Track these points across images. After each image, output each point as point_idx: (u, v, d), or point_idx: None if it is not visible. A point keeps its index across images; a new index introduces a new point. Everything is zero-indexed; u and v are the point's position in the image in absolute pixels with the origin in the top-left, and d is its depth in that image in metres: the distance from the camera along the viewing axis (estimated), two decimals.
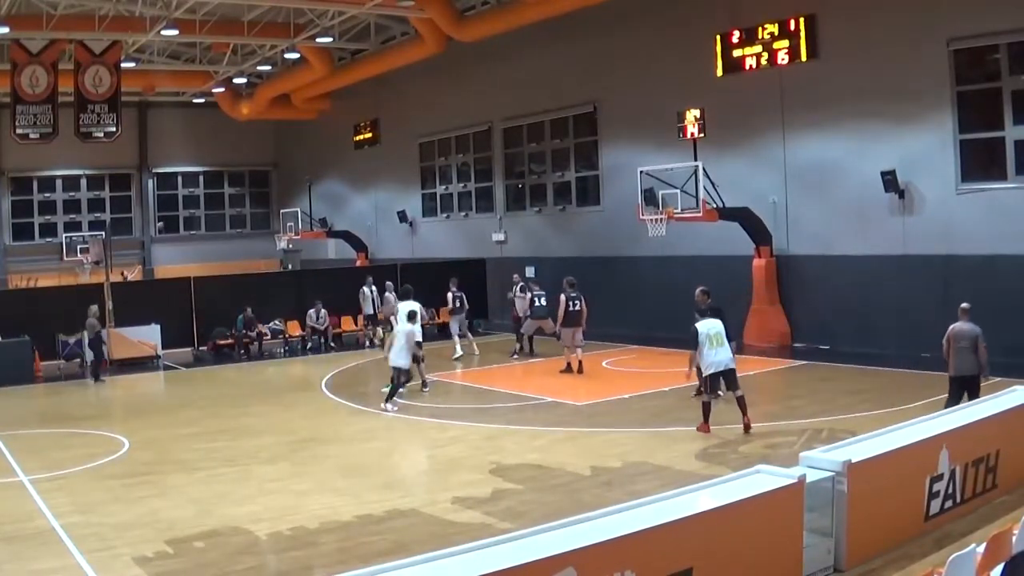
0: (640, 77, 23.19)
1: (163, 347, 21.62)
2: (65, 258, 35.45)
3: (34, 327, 19.89)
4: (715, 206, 19.24)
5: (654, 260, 22.53)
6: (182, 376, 20.57)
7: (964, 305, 11.34)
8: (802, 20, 19.37)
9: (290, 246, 33.92)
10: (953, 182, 17.43)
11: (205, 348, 22.75)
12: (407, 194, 32.43)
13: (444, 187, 31.13)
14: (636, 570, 5.70)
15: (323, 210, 34.71)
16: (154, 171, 38.98)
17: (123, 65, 25.50)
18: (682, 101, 20.27)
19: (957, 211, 17.36)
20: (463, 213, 30.18)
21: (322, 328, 23.31)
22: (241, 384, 19.23)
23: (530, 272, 24.41)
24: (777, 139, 20.40)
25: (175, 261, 37.30)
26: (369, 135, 34.44)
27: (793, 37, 19.54)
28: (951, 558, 4.97)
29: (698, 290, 14.59)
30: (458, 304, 21.17)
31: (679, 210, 19.21)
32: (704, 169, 18.91)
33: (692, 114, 19.56)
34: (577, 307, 17.60)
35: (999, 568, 5.21)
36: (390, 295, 20.92)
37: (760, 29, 20.09)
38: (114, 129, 25.23)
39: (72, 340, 20.44)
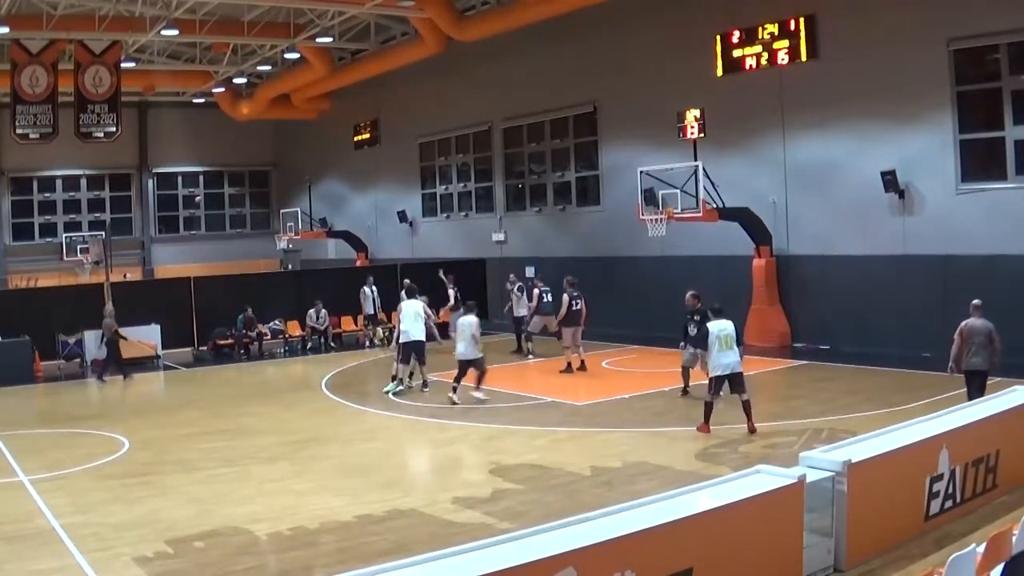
0: (640, 77, 23.18)
1: (163, 347, 21.65)
2: (65, 258, 35.42)
3: (34, 327, 19.90)
4: (715, 206, 19.24)
5: (654, 260, 22.54)
6: (182, 376, 20.57)
7: (976, 302, 11.50)
8: (802, 20, 19.37)
9: (290, 246, 33.92)
10: (953, 182, 17.43)
11: (205, 348, 22.74)
12: (407, 194, 32.43)
13: (444, 187, 31.13)
14: (636, 570, 5.70)
15: (323, 210, 34.70)
16: (154, 171, 38.97)
17: (123, 65, 25.49)
18: (682, 101, 20.27)
19: (957, 211, 17.36)
20: (463, 213, 30.18)
21: (322, 328, 23.31)
22: (241, 384, 19.23)
23: (530, 272, 24.41)
24: (777, 139, 20.39)
25: (175, 261, 37.29)
26: (369, 135, 34.44)
27: (793, 37, 19.54)
28: (951, 558, 4.97)
29: (688, 294, 14.71)
30: (456, 300, 21.34)
31: (679, 210, 19.21)
32: (704, 169, 18.90)
33: (692, 114, 19.55)
34: (578, 306, 17.64)
35: (999, 568, 5.21)
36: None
37: (760, 29, 20.09)
38: (114, 129, 25.23)
39: (72, 340, 20.45)
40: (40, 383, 19.43)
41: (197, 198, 39.98)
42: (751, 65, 20.32)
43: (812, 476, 7.07)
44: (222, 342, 22.78)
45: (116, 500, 10.08)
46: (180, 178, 39.81)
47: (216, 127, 37.59)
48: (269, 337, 23.31)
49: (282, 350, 23.43)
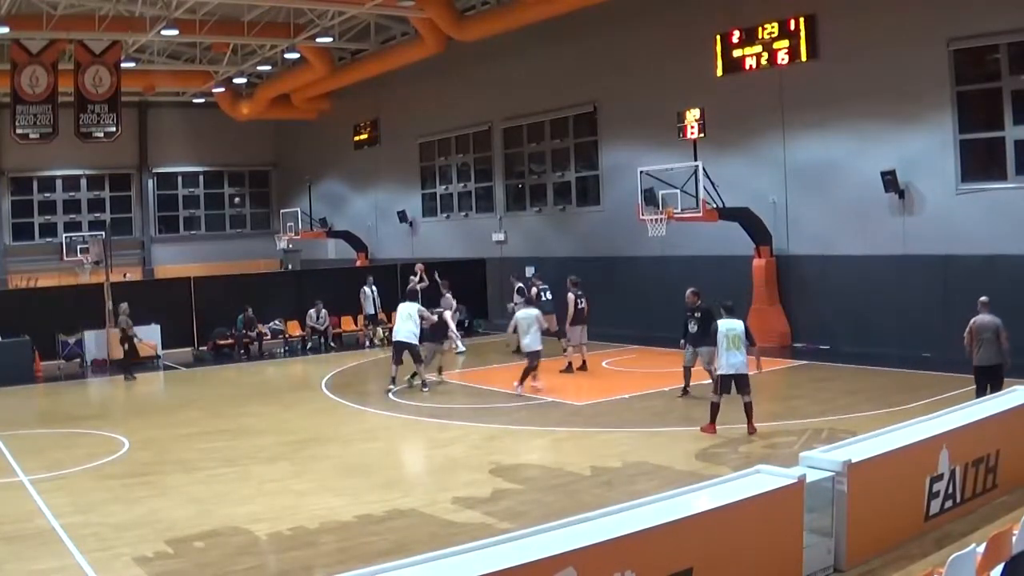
0: (640, 77, 23.18)
1: (163, 347, 21.63)
2: (65, 258, 35.39)
3: (34, 327, 19.90)
4: (715, 206, 19.23)
5: (654, 260, 22.53)
6: (182, 376, 20.57)
7: (983, 299, 11.66)
8: (802, 20, 19.37)
9: (290, 246, 33.91)
10: (953, 182, 17.43)
11: (205, 348, 22.74)
12: (407, 194, 32.43)
13: (444, 187, 31.13)
14: (636, 570, 5.70)
15: (323, 210, 34.69)
16: (154, 171, 38.96)
17: (123, 65, 25.48)
18: (682, 101, 20.26)
19: (957, 211, 17.36)
20: (463, 213, 30.18)
21: (322, 328, 23.31)
22: (241, 384, 19.23)
23: (530, 272, 24.38)
24: (777, 139, 20.39)
25: (175, 261, 37.28)
26: (369, 135, 34.43)
27: (793, 37, 19.54)
28: (951, 558, 4.97)
29: (688, 291, 14.72)
30: (455, 302, 21.44)
31: (679, 210, 19.20)
32: (704, 169, 18.89)
33: (692, 114, 19.54)
34: (583, 304, 17.66)
35: (999, 568, 5.21)
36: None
37: (760, 29, 20.09)
38: (114, 129, 25.23)
39: (72, 340, 20.45)
40: (40, 383, 19.43)
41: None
42: (751, 65, 20.32)
43: (812, 476, 7.07)
44: (222, 342, 22.78)
45: (116, 500, 10.08)
46: (180, 178, 39.77)
47: (216, 127, 37.57)
48: (269, 337, 23.30)
49: (282, 350, 23.42)
